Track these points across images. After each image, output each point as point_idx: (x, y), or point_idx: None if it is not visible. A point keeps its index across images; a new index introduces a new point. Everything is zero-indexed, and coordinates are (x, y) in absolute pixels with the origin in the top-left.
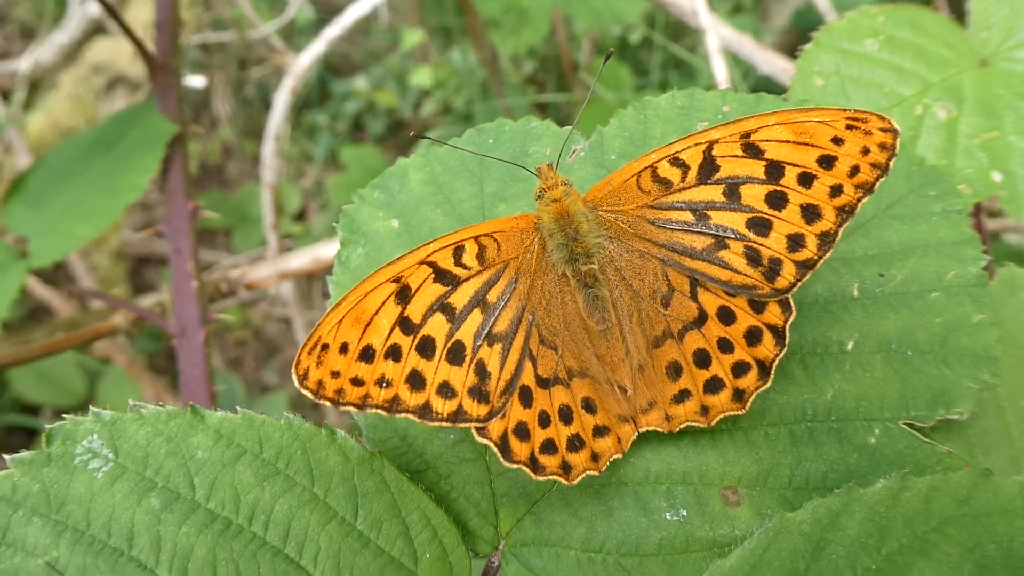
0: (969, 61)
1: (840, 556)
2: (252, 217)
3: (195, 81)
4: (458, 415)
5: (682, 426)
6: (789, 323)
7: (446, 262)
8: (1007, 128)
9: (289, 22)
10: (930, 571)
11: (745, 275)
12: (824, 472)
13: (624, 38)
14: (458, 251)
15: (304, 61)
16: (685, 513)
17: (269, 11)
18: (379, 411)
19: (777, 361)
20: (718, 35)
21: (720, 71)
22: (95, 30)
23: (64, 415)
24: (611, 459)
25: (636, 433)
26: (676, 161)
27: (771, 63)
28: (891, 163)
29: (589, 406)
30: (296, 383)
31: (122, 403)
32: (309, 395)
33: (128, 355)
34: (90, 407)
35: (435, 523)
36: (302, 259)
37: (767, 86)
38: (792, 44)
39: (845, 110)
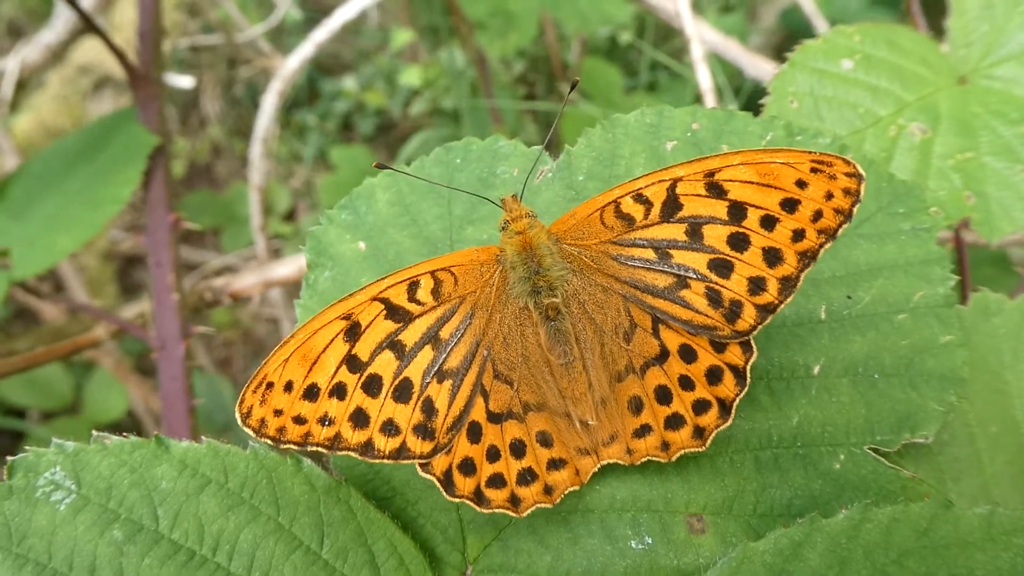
0: (947, 79)
1: None
2: (240, 217)
3: (183, 81)
4: (401, 452)
5: (643, 460)
6: (750, 364)
7: (399, 298)
8: (982, 148)
9: (278, 22)
10: None
11: (706, 315)
12: (789, 499)
13: (614, 39)
14: (413, 286)
15: (292, 64)
16: (650, 541)
17: (257, 10)
18: (319, 448)
19: (738, 401)
20: (703, 43)
21: (704, 80)
22: (82, 30)
23: (50, 418)
24: (567, 491)
25: (597, 465)
26: (640, 197)
27: (757, 67)
28: (855, 209)
29: (544, 440)
30: (239, 421)
31: (108, 405)
32: (251, 433)
33: (115, 358)
34: (52, 439)
35: (401, 550)
36: (287, 268)
37: (755, 89)
38: (780, 44)
39: (811, 152)
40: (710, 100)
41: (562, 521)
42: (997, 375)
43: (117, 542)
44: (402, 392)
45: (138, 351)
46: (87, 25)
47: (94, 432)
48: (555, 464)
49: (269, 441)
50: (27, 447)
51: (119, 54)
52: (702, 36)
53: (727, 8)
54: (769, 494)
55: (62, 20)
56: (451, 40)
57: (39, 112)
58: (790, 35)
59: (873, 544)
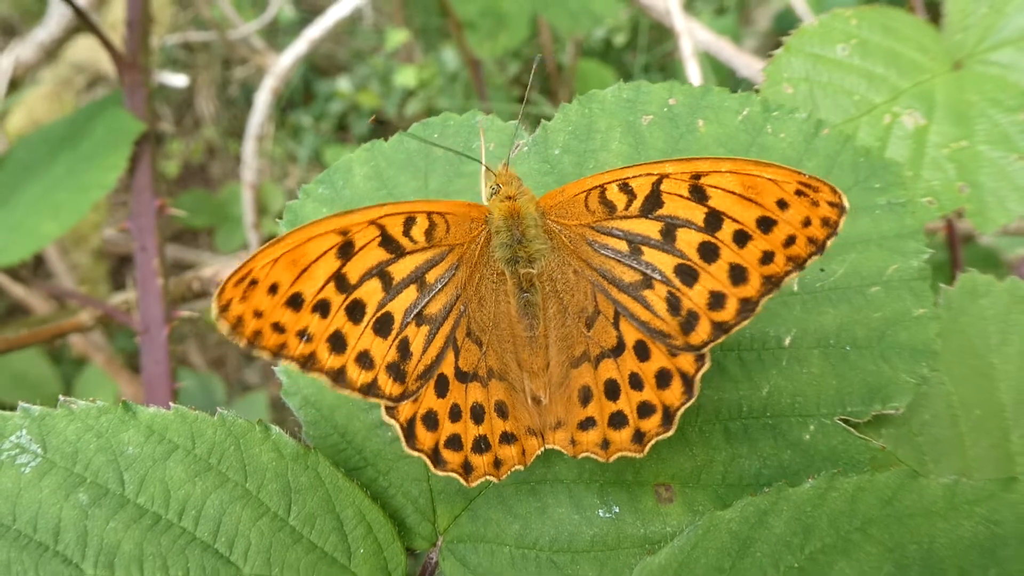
0: (943, 64)
1: (765, 554)
2: (235, 217)
3: (177, 80)
4: (371, 388)
5: (584, 455)
6: (700, 375)
7: (395, 229)
8: (978, 137)
9: (272, 21)
10: (850, 570)
11: (663, 320)
12: (758, 469)
13: (608, 41)
14: (409, 221)
15: (285, 62)
16: (618, 510)
17: (252, 8)
18: (292, 363)
19: (682, 411)
20: (695, 39)
21: (694, 75)
22: (76, 28)
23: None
24: (512, 469)
25: (542, 449)
26: (625, 187)
27: (750, 66)
28: (829, 242)
29: (501, 411)
30: (214, 314)
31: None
32: (225, 329)
33: (106, 354)
34: (19, 403)
35: (370, 519)
36: None
37: (748, 90)
38: (774, 47)
39: (800, 174)
40: None
41: (531, 491)
42: (983, 358)
43: (82, 505)
44: (382, 326)
45: (130, 349)
46: (78, 16)
47: (61, 397)
48: (507, 438)
49: (243, 344)
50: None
51: (106, 42)
52: (694, 35)
53: (721, 11)
54: (738, 464)
55: (56, 18)
56: (441, 42)
57: (32, 110)
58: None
59: (838, 512)
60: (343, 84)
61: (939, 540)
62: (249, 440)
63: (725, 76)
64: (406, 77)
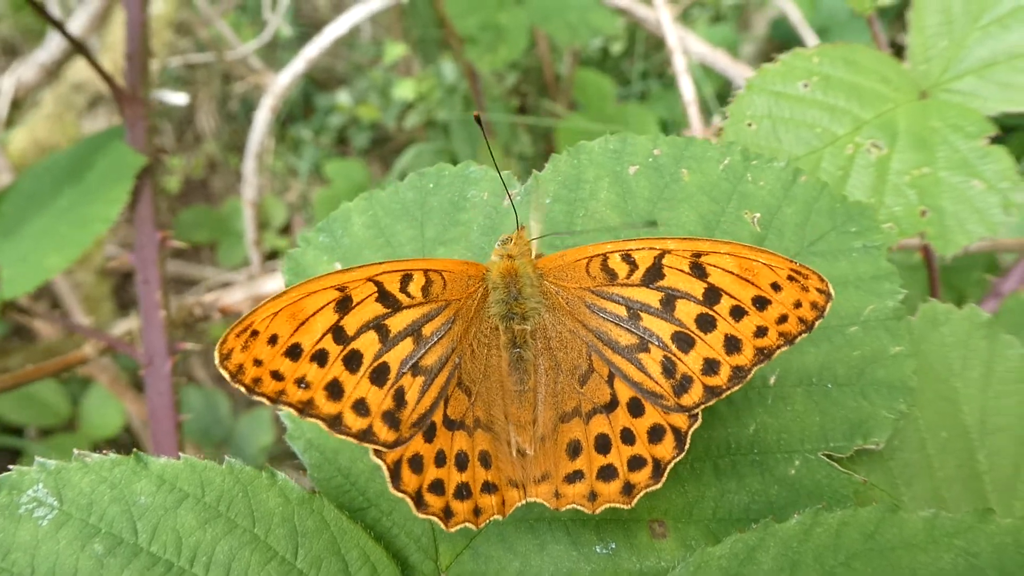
0: (907, 95)
1: None
2: (236, 231)
3: (177, 99)
4: (367, 435)
5: (568, 507)
6: (691, 431)
7: (392, 285)
8: (939, 163)
9: (270, 39)
10: None
11: (656, 383)
12: (747, 504)
13: (606, 49)
14: (406, 278)
15: (283, 80)
16: (614, 546)
17: (250, 27)
18: (290, 409)
19: (672, 465)
20: (691, 52)
21: (687, 91)
22: (76, 49)
23: (47, 435)
24: (490, 519)
25: (523, 501)
26: (627, 257)
27: (745, 77)
28: (816, 323)
29: (485, 460)
30: (217, 362)
31: (105, 421)
32: (227, 376)
33: (111, 373)
34: (36, 458)
35: (374, 559)
36: (277, 283)
37: None
38: (772, 52)
39: (792, 262)
40: (693, 111)
41: (529, 528)
42: (946, 383)
43: (98, 555)
44: (378, 375)
45: (134, 367)
46: (76, 47)
47: (75, 451)
48: (488, 487)
49: (243, 388)
50: (11, 466)
51: (105, 76)
52: (689, 48)
53: (718, 17)
54: (728, 499)
55: (56, 39)
56: (439, 55)
57: (33, 130)
58: (782, 44)
59: (823, 547)
60: (343, 97)
61: (920, 573)
62: (256, 487)
63: (722, 86)
64: (405, 90)
